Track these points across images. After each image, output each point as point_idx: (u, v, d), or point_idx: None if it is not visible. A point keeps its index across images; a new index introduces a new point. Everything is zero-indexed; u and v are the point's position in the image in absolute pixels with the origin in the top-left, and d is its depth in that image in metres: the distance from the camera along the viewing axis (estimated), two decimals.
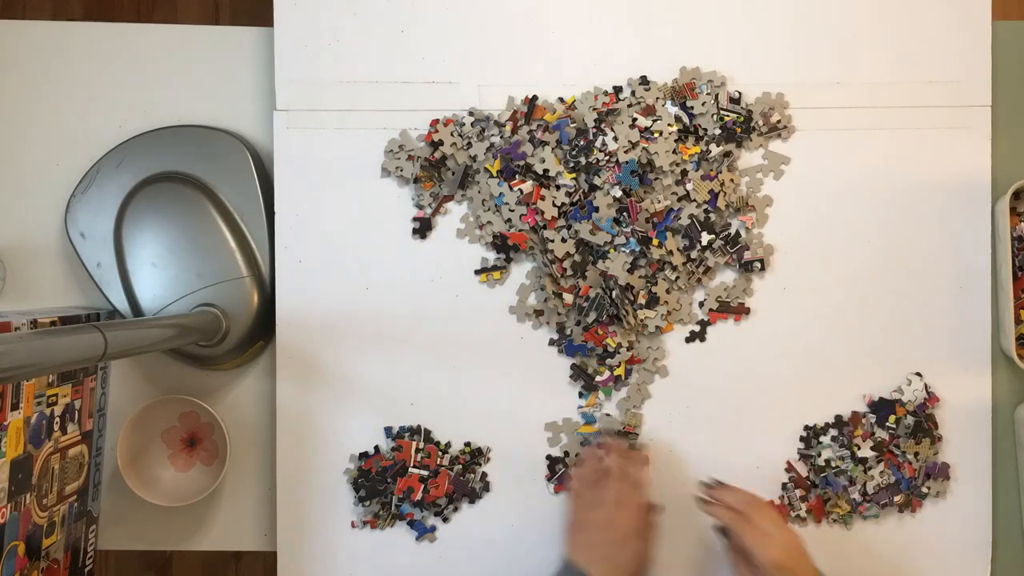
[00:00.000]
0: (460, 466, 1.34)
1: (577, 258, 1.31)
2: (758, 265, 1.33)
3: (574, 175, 1.31)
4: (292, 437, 1.34)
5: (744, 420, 1.34)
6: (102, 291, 1.34)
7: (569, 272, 1.31)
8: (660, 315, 1.32)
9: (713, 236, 1.32)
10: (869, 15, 1.35)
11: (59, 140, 1.38)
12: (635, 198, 1.31)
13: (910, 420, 1.32)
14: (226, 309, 1.31)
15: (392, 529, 1.34)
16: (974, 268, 1.35)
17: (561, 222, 1.31)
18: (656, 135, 1.32)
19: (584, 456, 1.31)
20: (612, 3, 1.35)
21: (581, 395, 1.34)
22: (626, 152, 1.31)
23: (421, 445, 1.33)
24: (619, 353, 1.32)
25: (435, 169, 1.34)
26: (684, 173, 1.33)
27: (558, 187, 1.32)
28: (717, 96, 1.33)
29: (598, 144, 1.32)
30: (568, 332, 1.33)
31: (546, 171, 1.31)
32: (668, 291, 1.32)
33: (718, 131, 1.33)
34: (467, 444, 1.34)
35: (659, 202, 1.32)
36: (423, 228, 1.34)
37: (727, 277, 1.35)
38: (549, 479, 1.34)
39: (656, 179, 1.33)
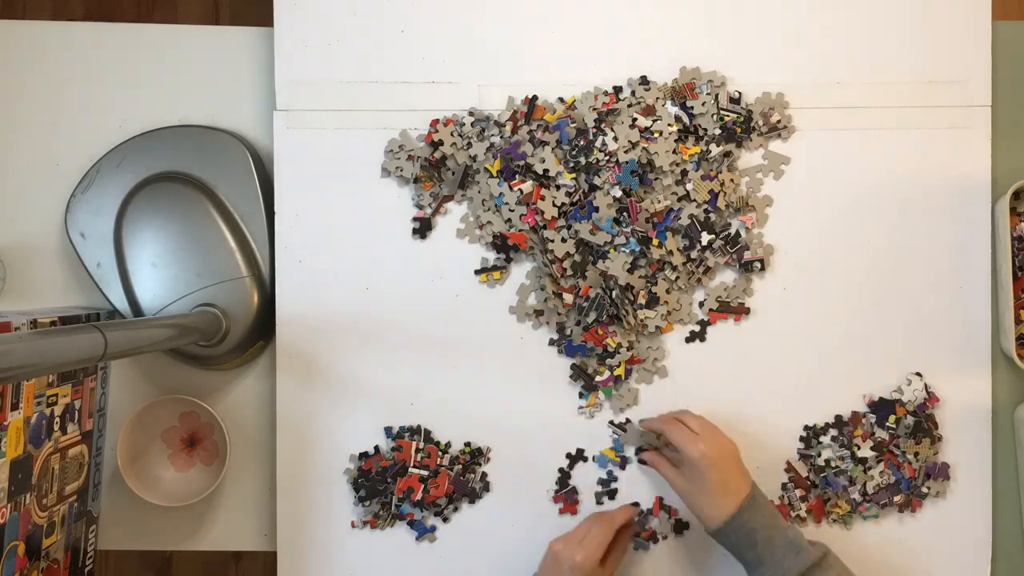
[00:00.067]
0: (460, 466, 1.34)
1: (577, 258, 1.31)
2: (758, 265, 1.33)
3: (574, 175, 1.32)
4: (292, 437, 1.34)
5: (744, 420, 1.34)
6: (102, 291, 1.34)
7: (569, 272, 1.31)
8: (660, 315, 1.32)
9: (713, 236, 1.32)
10: (869, 15, 1.35)
11: (59, 140, 1.38)
12: (635, 198, 1.31)
13: (910, 420, 1.32)
14: (226, 309, 1.30)
15: (392, 529, 1.34)
16: (974, 268, 1.35)
17: (561, 222, 1.31)
18: (656, 135, 1.32)
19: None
20: (612, 3, 1.35)
21: (581, 395, 1.34)
22: (626, 152, 1.31)
23: (421, 445, 1.33)
24: (619, 353, 1.32)
25: (435, 169, 1.34)
26: (684, 173, 1.33)
27: (558, 187, 1.32)
28: (717, 96, 1.33)
29: (598, 144, 1.32)
30: (568, 332, 1.33)
31: (546, 171, 1.31)
32: (668, 291, 1.32)
33: (718, 131, 1.33)
34: (467, 444, 1.34)
35: (659, 202, 1.32)
36: (423, 228, 1.34)
37: (727, 277, 1.35)
38: (557, 499, 1.35)
39: (656, 179, 1.33)
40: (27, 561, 1.19)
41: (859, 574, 1.19)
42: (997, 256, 1.34)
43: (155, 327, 1.18)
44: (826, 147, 1.35)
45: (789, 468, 1.34)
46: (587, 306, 1.31)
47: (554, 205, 1.31)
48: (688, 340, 1.34)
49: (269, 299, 1.34)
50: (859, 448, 1.33)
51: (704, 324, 1.34)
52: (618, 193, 1.31)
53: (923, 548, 1.34)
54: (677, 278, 1.33)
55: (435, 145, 1.33)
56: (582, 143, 1.32)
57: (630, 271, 1.31)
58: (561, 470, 1.35)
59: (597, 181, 1.31)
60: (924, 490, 1.33)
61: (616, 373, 1.33)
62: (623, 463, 1.34)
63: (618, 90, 1.34)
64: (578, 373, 1.34)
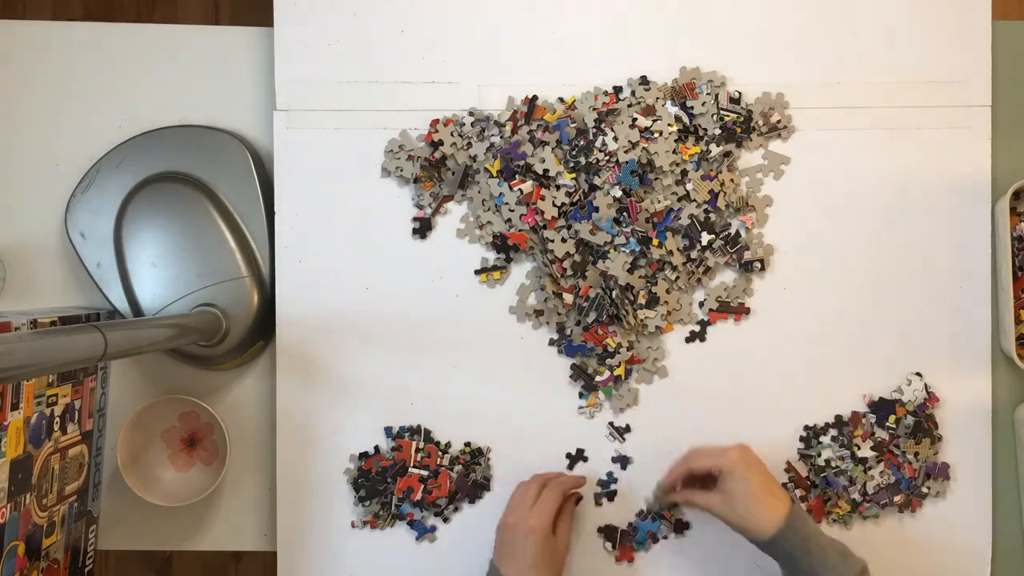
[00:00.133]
0: (460, 466, 1.34)
1: (577, 258, 1.31)
2: (758, 265, 1.33)
3: (574, 175, 1.32)
4: (292, 437, 1.34)
5: (744, 420, 1.34)
6: (102, 291, 1.34)
7: (569, 272, 1.31)
8: (660, 315, 1.32)
9: (713, 236, 1.32)
10: (869, 15, 1.35)
11: (59, 140, 1.38)
12: (635, 198, 1.31)
13: (910, 420, 1.32)
14: (226, 309, 1.31)
15: (392, 529, 1.34)
16: (974, 268, 1.35)
17: (561, 222, 1.32)
18: (656, 135, 1.32)
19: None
20: (612, 3, 1.35)
21: (581, 395, 1.34)
22: (626, 152, 1.31)
23: (421, 445, 1.33)
24: (619, 353, 1.32)
25: (435, 169, 1.34)
26: (684, 173, 1.33)
27: (558, 187, 1.32)
28: (717, 96, 1.33)
29: (598, 144, 1.32)
30: (568, 332, 1.33)
31: (546, 171, 1.31)
32: (668, 291, 1.32)
33: (718, 131, 1.33)
34: (467, 444, 1.34)
35: (659, 202, 1.32)
36: (423, 228, 1.34)
37: (727, 277, 1.35)
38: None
39: (656, 179, 1.33)
40: (27, 561, 1.19)
41: None
42: (997, 256, 1.34)
43: (155, 327, 1.18)
44: (826, 147, 1.35)
45: (789, 468, 1.34)
46: (587, 306, 1.31)
47: (554, 205, 1.31)
48: (688, 340, 1.34)
49: (269, 299, 1.34)
50: (859, 448, 1.33)
51: (704, 324, 1.34)
52: (618, 193, 1.31)
53: (923, 548, 1.34)
54: (677, 278, 1.33)
55: (435, 145, 1.33)
56: (582, 143, 1.32)
57: (630, 271, 1.31)
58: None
59: (597, 181, 1.31)
60: (924, 490, 1.33)
61: (616, 373, 1.33)
62: (623, 463, 1.34)
63: (618, 90, 1.34)
64: (578, 373, 1.34)
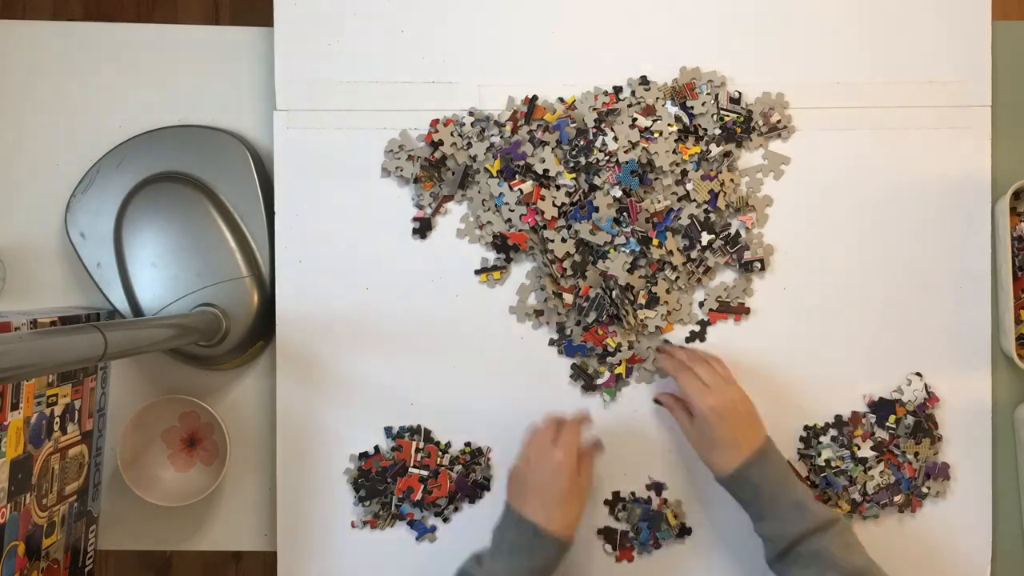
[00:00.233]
0: (460, 466, 1.34)
1: (577, 258, 1.31)
2: (758, 265, 1.33)
3: (574, 175, 1.32)
4: (292, 437, 1.34)
5: None
6: (102, 291, 1.34)
7: (569, 272, 1.31)
8: (660, 315, 1.32)
9: (713, 236, 1.32)
10: (869, 15, 1.35)
11: (59, 140, 1.38)
12: (635, 198, 1.31)
13: (910, 420, 1.32)
14: (226, 309, 1.31)
15: (392, 529, 1.34)
16: (974, 268, 1.35)
17: (561, 222, 1.32)
18: (656, 135, 1.32)
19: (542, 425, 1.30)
20: (612, 3, 1.35)
21: (584, 390, 1.35)
22: (626, 152, 1.31)
23: (421, 445, 1.34)
24: (619, 352, 1.32)
25: (435, 169, 1.34)
26: (684, 173, 1.33)
27: (558, 187, 1.32)
28: (717, 96, 1.33)
29: (598, 144, 1.32)
30: (568, 332, 1.33)
31: (546, 171, 1.31)
32: (668, 291, 1.32)
33: (718, 131, 1.33)
34: (467, 444, 1.34)
35: (659, 202, 1.32)
36: (423, 228, 1.34)
37: (727, 277, 1.35)
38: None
39: (656, 179, 1.33)
40: (27, 561, 1.19)
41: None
42: (997, 256, 1.34)
43: (155, 327, 1.19)
44: (826, 147, 1.35)
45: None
46: (587, 306, 1.31)
47: (554, 205, 1.31)
48: (688, 340, 1.34)
49: (269, 299, 1.34)
50: (859, 448, 1.33)
51: (704, 324, 1.34)
52: (618, 193, 1.31)
53: (923, 548, 1.34)
54: (677, 278, 1.33)
55: (435, 145, 1.33)
56: (582, 143, 1.32)
57: (630, 271, 1.31)
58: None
59: (597, 181, 1.31)
60: (924, 490, 1.33)
61: (617, 371, 1.33)
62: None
63: (618, 90, 1.34)
64: (578, 373, 1.34)
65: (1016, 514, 1.35)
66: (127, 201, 1.32)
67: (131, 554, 1.39)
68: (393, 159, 1.34)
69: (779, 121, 1.33)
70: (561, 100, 1.34)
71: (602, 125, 1.32)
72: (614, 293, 1.31)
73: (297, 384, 1.34)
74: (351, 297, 1.34)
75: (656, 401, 1.34)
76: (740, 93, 1.34)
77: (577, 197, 1.32)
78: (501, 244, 1.33)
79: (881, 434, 1.33)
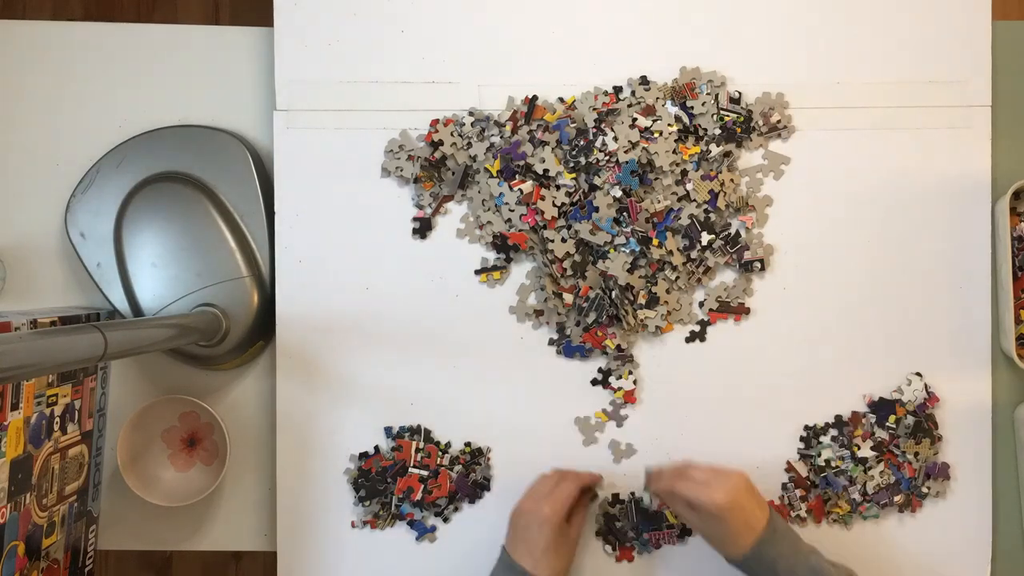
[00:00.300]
0: (460, 466, 1.34)
1: (577, 258, 1.31)
2: (758, 265, 1.33)
3: (574, 175, 1.32)
4: (292, 437, 1.34)
5: (744, 420, 1.34)
6: (102, 291, 1.34)
7: (569, 272, 1.31)
8: (660, 315, 1.32)
9: (713, 236, 1.32)
10: (869, 15, 1.35)
11: (59, 140, 1.38)
12: (635, 198, 1.31)
13: (910, 420, 1.32)
14: (226, 309, 1.31)
15: (392, 529, 1.34)
16: (974, 268, 1.35)
17: (561, 222, 1.32)
18: (656, 135, 1.32)
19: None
20: (612, 3, 1.35)
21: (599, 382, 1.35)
22: (626, 152, 1.31)
23: (421, 445, 1.34)
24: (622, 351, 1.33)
25: (435, 169, 1.34)
26: (684, 173, 1.33)
27: (558, 187, 1.32)
28: (717, 96, 1.33)
29: (598, 144, 1.32)
30: (568, 332, 1.33)
31: (546, 171, 1.31)
32: (668, 291, 1.32)
33: (718, 131, 1.33)
34: (467, 444, 1.34)
35: (659, 202, 1.32)
36: (423, 228, 1.34)
37: (727, 277, 1.35)
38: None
39: (656, 179, 1.33)
40: (27, 561, 1.19)
41: (860, 574, 1.19)
42: (997, 256, 1.34)
43: (155, 327, 1.19)
44: (826, 147, 1.35)
45: (789, 468, 1.34)
46: (587, 306, 1.31)
47: (554, 205, 1.31)
48: (688, 340, 1.34)
49: (269, 299, 1.34)
50: (859, 448, 1.33)
51: (704, 324, 1.34)
52: (618, 193, 1.31)
53: (923, 548, 1.34)
54: (677, 278, 1.32)
55: (435, 145, 1.33)
56: (582, 143, 1.32)
57: (630, 271, 1.31)
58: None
59: (597, 181, 1.31)
60: (924, 490, 1.33)
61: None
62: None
63: (618, 90, 1.34)
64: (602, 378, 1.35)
65: (1016, 514, 1.36)
66: (127, 201, 1.32)
67: (131, 554, 1.39)
68: (393, 159, 1.34)
69: (779, 121, 1.33)
70: (561, 100, 1.34)
71: (602, 125, 1.32)
72: (614, 293, 1.31)
73: (297, 384, 1.34)
74: (351, 297, 1.34)
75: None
76: (740, 93, 1.34)
77: (577, 197, 1.31)
78: (501, 244, 1.33)
79: (881, 434, 1.33)
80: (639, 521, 1.34)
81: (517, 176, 1.32)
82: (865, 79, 1.35)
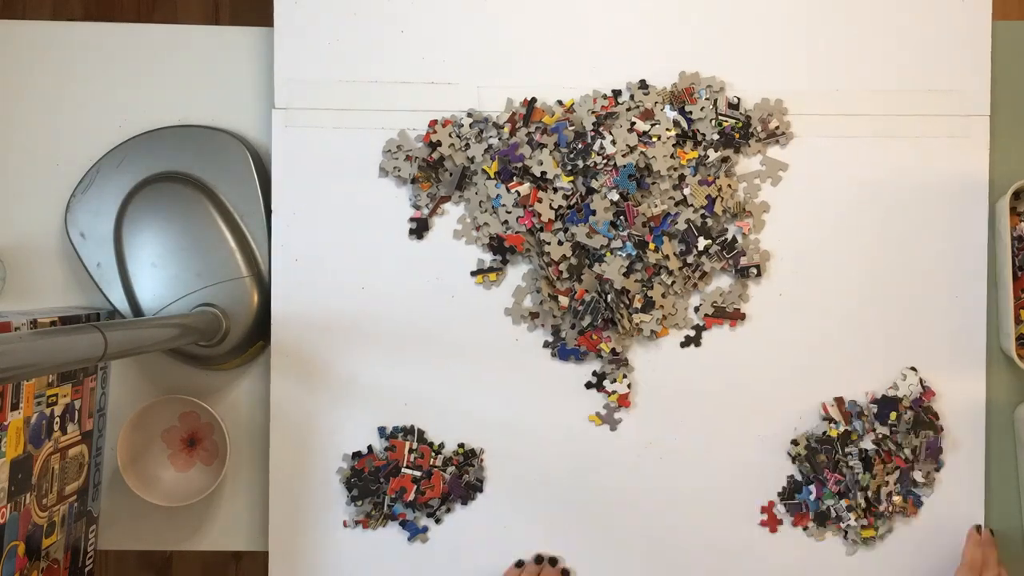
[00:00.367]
0: (453, 467, 1.34)
1: (573, 261, 1.31)
2: (754, 271, 1.33)
3: (572, 178, 1.31)
4: (286, 437, 1.34)
5: (740, 425, 1.34)
6: (102, 291, 1.34)
7: (565, 275, 1.31)
8: (655, 319, 1.32)
9: (709, 241, 1.32)
10: (868, 23, 1.35)
11: (59, 140, 1.38)
12: (632, 202, 1.31)
13: (910, 415, 1.32)
14: (226, 309, 1.31)
15: (384, 529, 1.35)
16: (971, 277, 1.35)
17: (558, 225, 1.31)
18: (654, 139, 1.32)
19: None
20: (612, 7, 1.35)
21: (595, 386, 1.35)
22: (624, 156, 1.31)
23: (414, 445, 1.34)
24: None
25: (433, 170, 1.34)
26: (682, 178, 1.32)
27: (555, 190, 1.32)
28: (716, 101, 1.33)
29: (596, 147, 1.31)
30: (563, 335, 1.34)
31: (544, 173, 1.31)
32: (664, 295, 1.32)
33: (716, 136, 1.33)
34: (461, 445, 1.35)
35: (656, 207, 1.32)
36: (420, 229, 1.34)
37: (723, 282, 1.34)
38: None
39: (654, 183, 1.33)
40: (27, 561, 1.20)
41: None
42: (997, 256, 1.34)
43: (155, 327, 1.19)
44: (824, 154, 1.35)
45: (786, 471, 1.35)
46: (582, 310, 1.31)
47: (551, 208, 1.31)
48: (683, 345, 1.34)
49: (269, 299, 1.34)
50: (858, 452, 1.33)
51: (699, 329, 1.34)
52: (615, 197, 1.30)
53: (921, 547, 1.35)
54: (673, 283, 1.32)
55: (433, 146, 1.33)
56: (580, 146, 1.32)
57: (626, 275, 1.31)
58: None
59: (595, 184, 1.31)
60: (920, 479, 1.33)
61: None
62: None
63: (617, 94, 1.34)
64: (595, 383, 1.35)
65: (1016, 514, 1.36)
66: (127, 201, 1.32)
67: (131, 554, 1.39)
68: (391, 159, 1.34)
69: (778, 127, 1.33)
70: (560, 103, 1.34)
71: (600, 128, 1.32)
72: (609, 297, 1.31)
73: (292, 384, 1.34)
74: (347, 297, 1.34)
75: None
76: (739, 99, 1.34)
77: (574, 200, 1.31)
78: (498, 246, 1.33)
79: (882, 430, 1.33)
80: None
81: (515, 178, 1.32)
82: (864, 87, 1.35)
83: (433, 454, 1.34)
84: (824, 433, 1.33)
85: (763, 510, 1.34)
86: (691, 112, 1.32)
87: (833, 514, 1.33)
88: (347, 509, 1.35)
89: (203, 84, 1.39)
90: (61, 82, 1.39)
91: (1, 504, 1.13)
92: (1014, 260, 1.33)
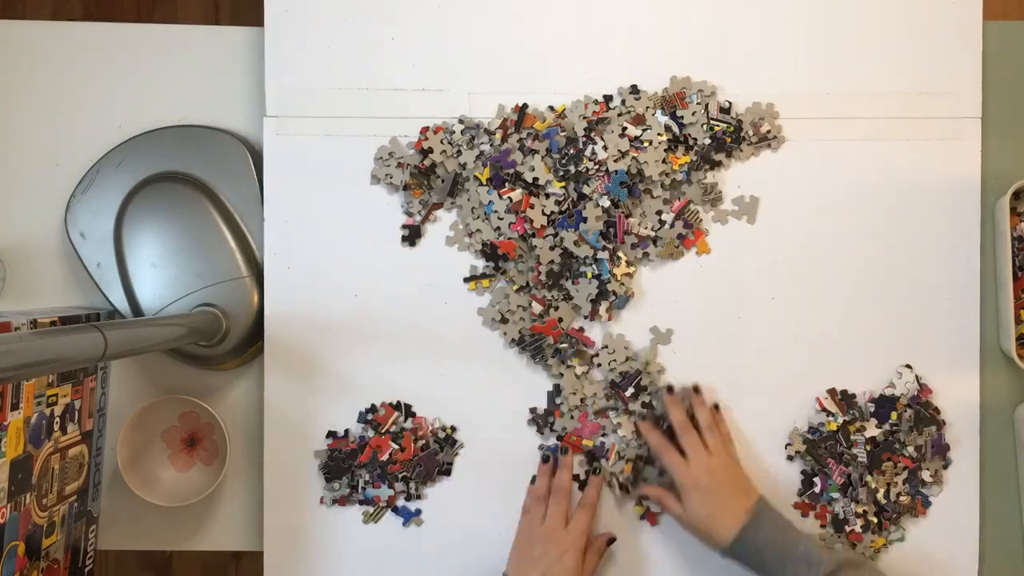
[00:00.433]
0: (435, 445, 1.35)
1: (556, 268, 1.31)
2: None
3: (563, 184, 1.31)
4: (280, 440, 1.35)
5: (734, 426, 1.34)
6: (102, 291, 1.35)
7: (544, 279, 1.31)
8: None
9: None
10: (860, 26, 1.34)
11: (59, 140, 1.39)
12: (623, 211, 1.31)
13: (909, 414, 1.32)
14: (226, 309, 1.32)
15: (375, 525, 1.35)
16: (964, 277, 1.35)
17: (550, 231, 1.31)
18: (646, 144, 1.31)
19: (538, 473, 1.33)
20: (603, 11, 1.35)
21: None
22: (616, 161, 1.31)
23: (402, 419, 1.35)
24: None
25: (425, 176, 1.34)
26: (674, 184, 1.32)
27: (547, 196, 1.31)
28: (707, 106, 1.32)
29: (588, 153, 1.31)
30: (524, 340, 1.34)
31: (536, 179, 1.31)
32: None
33: (708, 141, 1.32)
34: (444, 427, 1.36)
35: (647, 228, 1.32)
36: (412, 235, 1.34)
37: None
38: None
39: (646, 189, 1.32)
40: (27, 561, 1.21)
41: None
42: (998, 256, 1.34)
43: (155, 327, 1.20)
44: (816, 157, 1.34)
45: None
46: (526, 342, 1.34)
47: (543, 214, 1.31)
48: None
49: None
50: (857, 455, 1.33)
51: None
52: (607, 203, 1.30)
53: (919, 547, 1.35)
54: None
55: (425, 152, 1.33)
56: (572, 152, 1.31)
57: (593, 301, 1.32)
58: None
59: (586, 190, 1.30)
60: (927, 477, 1.33)
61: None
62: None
63: (608, 99, 1.34)
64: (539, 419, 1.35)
65: (1016, 514, 1.36)
66: (127, 201, 1.33)
67: (131, 554, 1.40)
68: (383, 166, 1.34)
69: (769, 131, 1.33)
70: (551, 108, 1.34)
71: (592, 134, 1.32)
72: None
73: (285, 389, 1.35)
74: (340, 304, 1.35)
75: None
76: (730, 103, 1.33)
77: (566, 206, 1.31)
78: (490, 252, 1.33)
79: (882, 428, 1.33)
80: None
81: (507, 184, 1.32)
82: (856, 90, 1.34)
83: (414, 440, 1.35)
84: (821, 424, 1.33)
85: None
86: (682, 117, 1.32)
87: (841, 515, 1.33)
88: (328, 495, 1.35)
89: (203, 84, 1.39)
90: (61, 82, 1.39)
91: (1, 504, 1.14)
92: (1014, 260, 1.32)
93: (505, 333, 1.33)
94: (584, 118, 1.32)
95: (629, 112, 1.32)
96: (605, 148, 1.31)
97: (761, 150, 1.34)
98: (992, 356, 1.35)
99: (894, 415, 1.32)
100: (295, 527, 1.35)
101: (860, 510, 1.32)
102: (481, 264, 1.34)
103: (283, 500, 1.35)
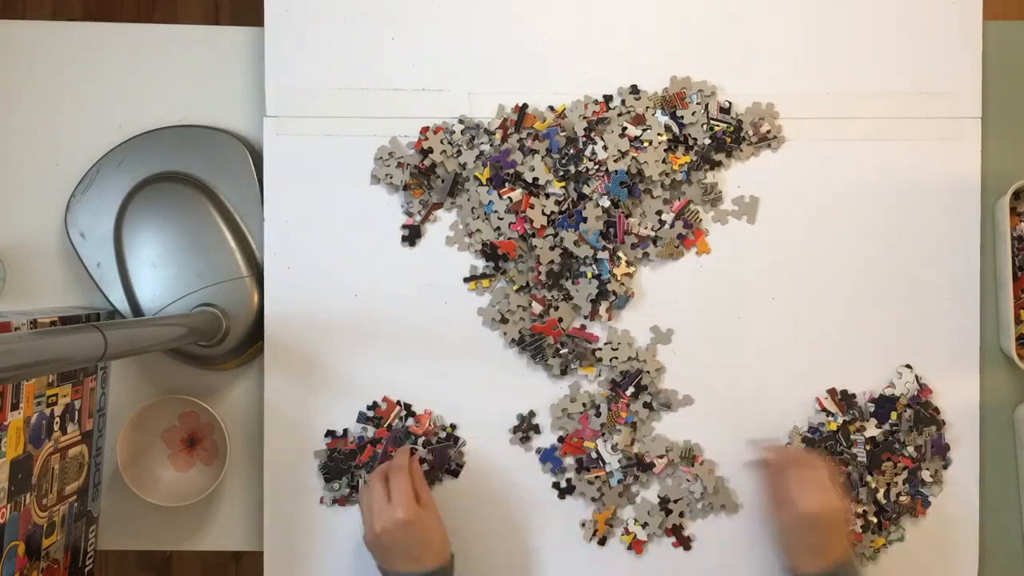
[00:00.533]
0: (438, 440, 1.35)
1: (556, 268, 1.31)
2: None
3: (564, 184, 1.31)
4: (280, 440, 1.35)
5: (733, 428, 1.35)
6: (102, 291, 1.35)
7: (544, 279, 1.31)
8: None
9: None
10: (860, 26, 1.34)
11: (59, 140, 1.39)
12: (623, 211, 1.31)
13: (909, 414, 1.32)
14: (226, 309, 1.32)
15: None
16: (963, 277, 1.35)
17: (550, 231, 1.31)
18: (646, 144, 1.31)
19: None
20: (603, 12, 1.35)
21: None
22: (616, 161, 1.31)
23: (403, 414, 1.35)
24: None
25: (425, 176, 1.34)
26: (674, 183, 1.32)
27: (547, 195, 1.31)
28: (707, 106, 1.32)
29: (588, 153, 1.31)
30: (525, 340, 1.34)
31: (536, 179, 1.31)
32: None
33: (708, 141, 1.32)
34: (444, 425, 1.36)
35: (647, 228, 1.32)
36: (412, 235, 1.34)
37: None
38: None
39: (646, 189, 1.32)
40: (27, 561, 1.21)
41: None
42: (998, 256, 1.34)
43: (155, 327, 1.20)
44: (816, 157, 1.34)
45: None
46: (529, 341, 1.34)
47: (543, 214, 1.30)
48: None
49: None
50: (857, 456, 1.33)
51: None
52: (606, 203, 1.30)
53: (917, 547, 1.35)
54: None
55: (425, 152, 1.33)
56: (572, 152, 1.31)
57: (593, 301, 1.32)
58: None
59: (586, 190, 1.30)
60: (927, 477, 1.33)
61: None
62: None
63: (608, 99, 1.33)
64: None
65: (1016, 514, 1.36)
66: (127, 201, 1.33)
67: (131, 554, 1.40)
68: (383, 166, 1.34)
69: (769, 131, 1.32)
70: (551, 108, 1.34)
71: (592, 134, 1.32)
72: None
73: (285, 389, 1.35)
74: (340, 304, 1.35)
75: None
76: (730, 103, 1.33)
77: (566, 206, 1.31)
78: (490, 252, 1.33)
79: (882, 428, 1.33)
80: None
81: (507, 184, 1.32)
82: (856, 90, 1.34)
83: (414, 439, 1.35)
84: (821, 424, 1.33)
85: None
86: (682, 117, 1.32)
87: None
88: (327, 495, 1.35)
89: (203, 84, 1.39)
90: (61, 82, 1.39)
91: (1, 504, 1.14)
92: (1014, 260, 1.32)
93: (505, 333, 1.33)
94: (584, 118, 1.32)
95: (629, 112, 1.32)
96: (605, 148, 1.31)
97: (761, 150, 1.34)
98: (992, 356, 1.35)
99: (894, 415, 1.32)
100: (295, 527, 1.35)
101: (860, 510, 1.32)
102: (481, 264, 1.34)
103: (283, 500, 1.35)
